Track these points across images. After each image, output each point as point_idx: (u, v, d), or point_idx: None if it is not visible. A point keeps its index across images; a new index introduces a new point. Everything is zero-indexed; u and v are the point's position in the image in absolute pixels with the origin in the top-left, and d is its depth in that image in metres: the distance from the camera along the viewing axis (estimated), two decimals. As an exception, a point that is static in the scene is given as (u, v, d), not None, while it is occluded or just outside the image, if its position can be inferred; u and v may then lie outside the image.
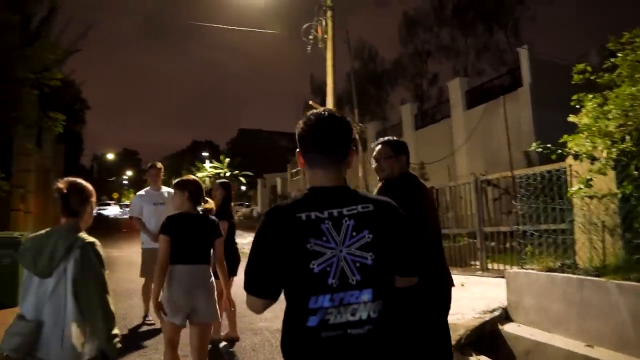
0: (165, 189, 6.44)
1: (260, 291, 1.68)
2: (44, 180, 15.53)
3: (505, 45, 35.03)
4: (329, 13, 11.83)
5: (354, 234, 1.62)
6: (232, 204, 5.80)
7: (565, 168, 6.31)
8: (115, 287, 7.48)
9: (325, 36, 11.79)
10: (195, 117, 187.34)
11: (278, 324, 6.33)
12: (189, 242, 3.69)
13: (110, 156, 62.82)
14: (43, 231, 2.53)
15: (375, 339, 1.61)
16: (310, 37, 12.06)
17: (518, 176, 7.03)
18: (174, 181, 3.98)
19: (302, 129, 1.76)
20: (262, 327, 6.15)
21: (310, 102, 11.48)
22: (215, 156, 54.01)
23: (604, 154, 4.53)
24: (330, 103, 11.54)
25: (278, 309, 1.70)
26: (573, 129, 5.06)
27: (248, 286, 1.70)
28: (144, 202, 6.26)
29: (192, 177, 4.04)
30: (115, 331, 2.42)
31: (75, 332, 2.36)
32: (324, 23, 11.82)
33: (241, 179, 49.81)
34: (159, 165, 6.55)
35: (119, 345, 2.42)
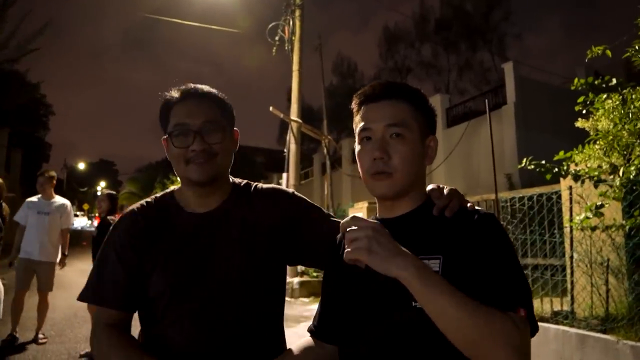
0: (58, 200, 6.09)
1: None
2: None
3: (489, 63, 34.21)
4: (297, 12, 10.71)
5: None
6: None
7: (559, 191, 5.19)
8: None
9: (293, 37, 10.66)
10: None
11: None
12: None
13: (82, 166, 60.64)
14: None
15: None
16: (277, 38, 10.93)
17: (503, 199, 5.87)
18: None
19: None
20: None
21: (271, 109, 10.29)
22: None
23: (620, 173, 3.34)
24: (294, 111, 10.37)
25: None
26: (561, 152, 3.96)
27: None
28: (30, 210, 5.93)
29: None
30: None
31: None
32: (291, 23, 10.70)
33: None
34: (51, 173, 6.19)
35: None
